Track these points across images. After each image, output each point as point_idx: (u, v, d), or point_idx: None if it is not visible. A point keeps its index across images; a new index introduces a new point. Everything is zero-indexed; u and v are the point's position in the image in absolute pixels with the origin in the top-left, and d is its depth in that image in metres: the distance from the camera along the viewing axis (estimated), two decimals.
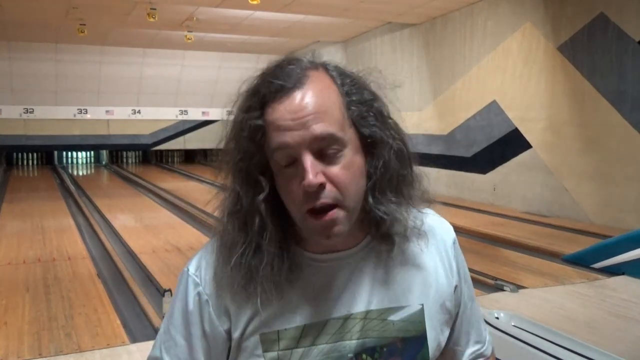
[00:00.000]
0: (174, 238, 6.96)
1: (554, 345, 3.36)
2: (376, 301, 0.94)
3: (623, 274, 5.14)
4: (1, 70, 14.92)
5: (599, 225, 7.34)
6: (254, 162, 0.89)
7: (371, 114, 0.90)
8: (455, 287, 1.02)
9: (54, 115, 16.11)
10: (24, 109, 15.81)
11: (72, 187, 11.78)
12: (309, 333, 0.91)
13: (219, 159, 0.97)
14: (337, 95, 0.88)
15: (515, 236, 6.88)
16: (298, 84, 0.86)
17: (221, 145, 0.95)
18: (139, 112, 17.10)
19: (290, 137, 0.84)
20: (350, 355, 0.92)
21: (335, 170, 0.85)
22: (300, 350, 0.91)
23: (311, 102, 0.84)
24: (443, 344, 1.01)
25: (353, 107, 0.89)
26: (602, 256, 5.34)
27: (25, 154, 16.86)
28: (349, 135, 0.87)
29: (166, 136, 17.65)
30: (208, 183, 12.96)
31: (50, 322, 4.03)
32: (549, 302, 4.46)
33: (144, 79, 16.52)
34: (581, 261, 5.52)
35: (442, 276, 1.00)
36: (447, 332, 1.02)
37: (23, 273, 5.38)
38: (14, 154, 16.54)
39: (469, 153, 10.00)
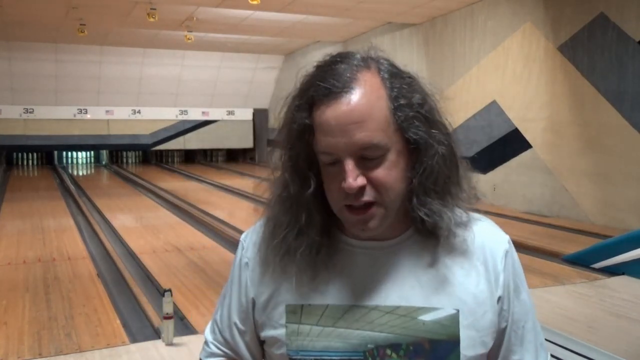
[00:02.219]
0: (174, 238, 6.96)
1: (554, 345, 3.36)
2: (408, 298, 0.94)
3: (623, 274, 5.14)
4: (1, 70, 14.92)
5: (599, 225, 7.34)
6: (302, 157, 0.93)
7: (418, 117, 0.90)
8: (499, 299, 0.97)
9: (54, 115, 16.11)
10: (24, 109, 15.81)
11: (72, 187, 11.78)
12: (332, 314, 0.93)
13: (273, 145, 1.01)
14: (385, 101, 0.89)
15: (515, 236, 6.73)
16: (346, 87, 0.87)
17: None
18: (139, 112, 17.10)
19: (334, 142, 0.87)
20: (370, 346, 0.92)
21: (376, 173, 0.88)
22: (319, 329, 0.93)
23: (357, 110, 0.86)
24: (481, 354, 0.96)
25: (399, 113, 0.89)
26: (602, 256, 5.34)
27: (25, 154, 16.86)
28: (394, 139, 0.89)
29: (166, 136, 17.65)
30: (208, 183, 12.97)
31: (50, 322, 4.02)
32: (549, 302, 4.46)
33: (144, 79, 16.52)
34: (581, 261, 5.52)
35: (483, 285, 0.96)
36: (488, 344, 0.96)
37: (23, 273, 5.38)
38: (14, 154, 16.54)
39: (469, 153, 9.98)
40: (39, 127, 15.93)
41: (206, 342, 1.11)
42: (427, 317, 0.93)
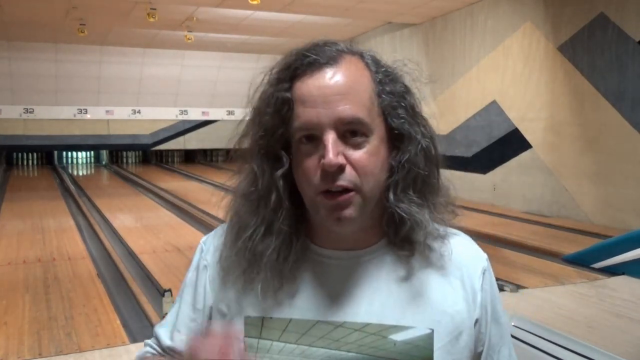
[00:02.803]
0: (174, 238, 6.96)
1: (554, 345, 3.36)
2: (378, 315, 0.86)
3: (623, 274, 5.14)
4: (1, 70, 14.91)
5: (599, 225, 7.34)
6: (275, 137, 0.86)
7: (402, 106, 0.87)
8: (476, 320, 0.90)
9: (54, 115, 16.10)
10: (24, 109, 15.80)
11: (72, 187, 11.78)
12: (294, 329, 0.86)
13: (233, 150, 0.94)
14: (369, 82, 0.85)
15: (515, 236, 6.88)
16: (331, 61, 0.84)
17: (234, 142, 0.93)
18: (139, 112, 17.09)
19: (315, 114, 0.81)
20: None
21: (357, 154, 0.82)
22: (280, 345, 0.86)
23: (341, 82, 0.82)
24: None
25: (384, 96, 0.85)
26: (602, 256, 5.34)
27: (25, 154, 16.85)
28: (377, 123, 0.84)
29: (166, 136, 17.64)
30: (208, 183, 12.96)
31: (50, 322, 4.02)
32: (549, 302, 4.45)
33: (144, 79, 16.51)
34: (581, 261, 5.51)
35: (461, 305, 0.89)
36: None
37: (23, 273, 5.37)
38: (14, 154, 16.53)
39: (469, 153, 10.00)
40: (39, 127, 15.92)
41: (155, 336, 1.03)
42: (398, 337, 0.85)
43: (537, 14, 8.40)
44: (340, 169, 0.81)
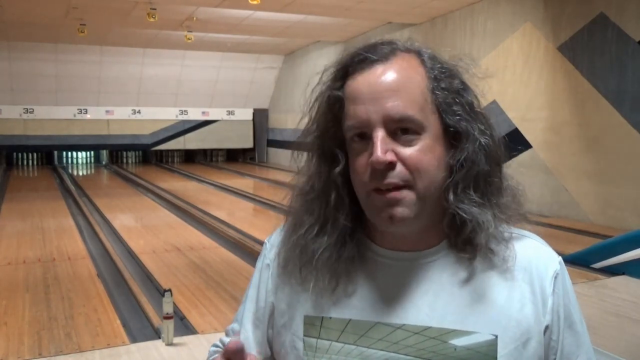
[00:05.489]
0: (174, 238, 6.96)
1: None
2: (439, 318, 0.83)
3: (623, 274, 5.14)
4: (1, 70, 14.92)
5: (599, 225, 7.34)
6: (329, 136, 0.86)
7: (458, 103, 0.84)
8: (546, 327, 0.85)
9: (54, 115, 16.11)
10: (24, 109, 15.81)
11: (72, 187, 11.78)
12: (353, 330, 0.85)
13: (295, 149, 0.94)
14: (423, 78, 0.84)
15: None
16: (383, 58, 0.83)
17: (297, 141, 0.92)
18: (139, 112, 17.10)
19: (364, 111, 0.80)
20: None
21: (409, 151, 0.80)
22: (339, 345, 0.85)
23: (391, 78, 0.81)
24: None
25: (438, 92, 0.83)
26: (602, 256, 5.34)
27: (25, 154, 16.85)
28: (431, 121, 0.82)
29: (166, 136, 17.65)
30: (208, 183, 12.96)
31: (50, 322, 4.02)
32: None
33: (144, 79, 16.52)
34: (581, 261, 5.51)
35: (529, 310, 0.84)
36: None
37: (23, 273, 5.37)
38: (14, 154, 16.54)
39: None
40: (39, 127, 15.93)
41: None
42: (459, 342, 0.81)
43: (537, 14, 8.40)
44: (390, 166, 0.79)
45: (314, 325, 0.87)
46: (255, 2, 8.93)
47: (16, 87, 15.40)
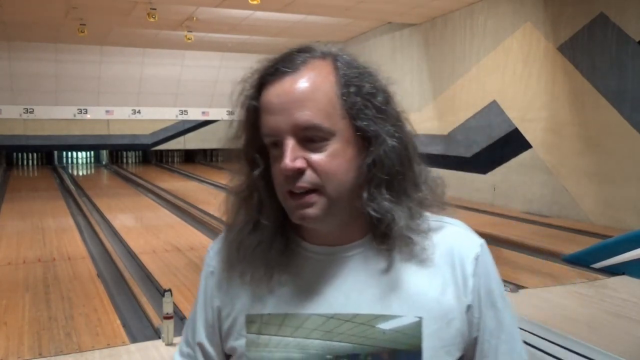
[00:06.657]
0: (174, 238, 6.96)
1: (554, 345, 3.37)
2: (367, 305, 0.90)
3: (623, 274, 5.14)
4: (1, 70, 14.91)
5: (599, 225, 7.34)
6: (251, 141, 0.92)
7: (368, 107, 0.88)
8: (468, 306, 0.91)
9: (54, 115, 16.10)
10: (24, 109, 15.80)
11: (72, 187, 11.78)
12: (290, 323, 0.91)
13: (225, 151, 1.00)
14: (332, 85, 0.87)
15: (515, 236, 6.88)
16: (293, 69, 0.87)
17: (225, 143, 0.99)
18: (139, 112, 17.09)
19: (274, 121, 0.86)
20: (329, 356, 0.89)
21: (317, 157, 0.85)
22: (278, 339, 0.91)
23: (299, 89, 0.86)
24: None
25: (348, 98, 0.87)
26: (602, 256, 5.34)
27: (25, 154, 16.85)
28: (340, 126, 0.86)
29: (166, 136, 17.65)
30: (208, 183, 12.96)
31: (50, 322, 4.03)
32: (549, 302, 4.46)
33: (144, 79, 16.51)
34: (581, 261, 5.52)
35: (450, 291, 0.91)
36: (455, 355, 0.91)
37: (23, 273, 5.38)
38: (14, 154, 16.54)
39: (469, 153, 10.00)
40: (39, 127, 15.92)
41: None
42: (387, 326, 0.89)
43: (537, 14, 8.40)
44: (299, 172, 0.85)
45: (255, 322, 0.93)
46: (255, 2, 8.93)
47: (16, 87, 15.39)
